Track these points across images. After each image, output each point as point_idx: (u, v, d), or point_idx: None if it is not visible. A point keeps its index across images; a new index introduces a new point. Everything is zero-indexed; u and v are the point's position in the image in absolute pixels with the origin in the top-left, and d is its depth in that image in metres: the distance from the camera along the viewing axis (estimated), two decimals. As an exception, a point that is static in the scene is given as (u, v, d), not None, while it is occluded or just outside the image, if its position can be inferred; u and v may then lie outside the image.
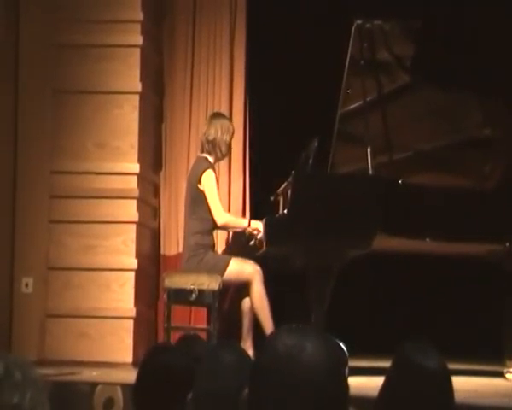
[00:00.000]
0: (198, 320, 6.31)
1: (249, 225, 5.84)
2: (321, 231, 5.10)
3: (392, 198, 5.19)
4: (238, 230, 6.02)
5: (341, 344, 1.44)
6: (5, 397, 1.43)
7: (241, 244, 6.26)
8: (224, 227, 6.00)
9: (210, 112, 6.63)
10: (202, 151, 5.99)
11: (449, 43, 7.17)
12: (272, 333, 1.57)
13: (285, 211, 5.28)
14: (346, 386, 1.52)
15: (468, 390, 4.40)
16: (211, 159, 5.92)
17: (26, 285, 6.13)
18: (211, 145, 5.90)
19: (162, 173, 6.76)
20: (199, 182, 5.79)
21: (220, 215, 5.76)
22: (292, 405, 1.45)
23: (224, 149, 5.93)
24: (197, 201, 5.80)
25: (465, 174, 5.72)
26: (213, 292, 5.59)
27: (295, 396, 1.45)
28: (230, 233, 6.46)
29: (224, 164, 6.42)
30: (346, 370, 1.49)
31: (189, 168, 6.50)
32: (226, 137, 5.92)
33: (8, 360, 1.47)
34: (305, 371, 1.46)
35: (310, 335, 1.51)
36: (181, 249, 6.17)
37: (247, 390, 1.52)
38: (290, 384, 1.45)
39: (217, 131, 5.91)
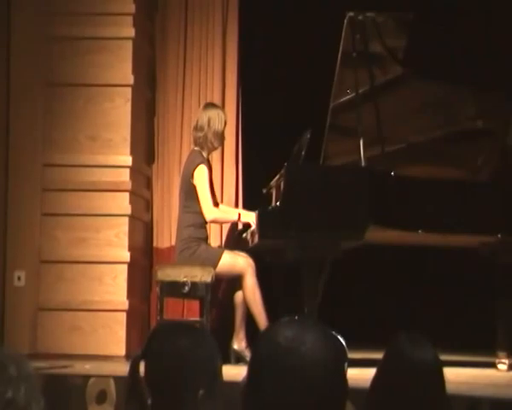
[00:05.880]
0: (191, 313, 6.32)
1: (239, 218, 5.85)
2: (313, 223, 5.11)
3: (384, 190, 5.19)
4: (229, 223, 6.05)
5: (341, 339, 1.44)
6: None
7: (233, 237, 6.27)
8: (214, 222, 6.03)
9: (202, 104, 6.62)
10: (195, 144, 5.97)
11: (442, 34, 7.17)
12: (272, 325, 1.56)
13: (278, 203, 5.28)
14: (345, 380, 1.52)
15: (461, 381, 4.41)
16: (204, 153, 5.90)
17: (19, 278, 6.12)
18: (202, 140, 5.88)
19: (155, 166, 6.76)
20: (192, 177, 5.78)
21: (209, 212, 5.75)
22: (291, 397, 1.45)
23: (215, 142, 5.91)
24: (190, 194, 5.80)
25: (458, 166, 5.73)
26: (206, 285, 5.59)
27: (294, 388, 1.45)
28: (223, 226, 6.46)
29: (216, 156, 6.42)
30: (346, 365, 1.48)
31: (182, 161, 6.51)
32: (218, 128, 5.87)
33: (2, 354, 1.47)
34: (305, 364, 1.46)
35: (309, 328, 1.50)
36: (173, 242, 6.16)
37: (244, 379, 1.52)
38: (289, 376, 1.45)
39: (208, 124, 5.86)
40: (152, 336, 2.12)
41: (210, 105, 6.08)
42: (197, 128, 5.90)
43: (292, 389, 1.45)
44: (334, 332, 1.57)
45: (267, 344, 1.50)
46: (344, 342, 1.59)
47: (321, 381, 1.46)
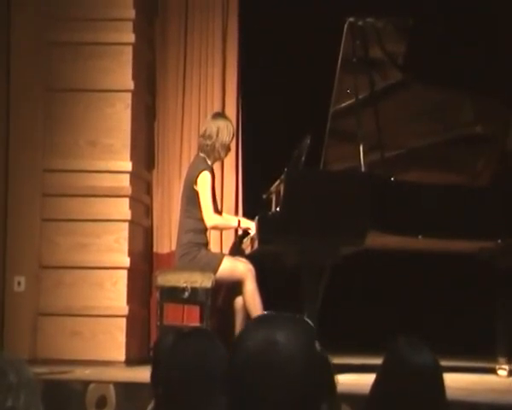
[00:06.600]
0: (191, 318, 6.31)
1: (239, 224, 5.84)
2: (313, 229, 5.10)
3: (384, 195, 5.19)
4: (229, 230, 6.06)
5: (308, 321, 1.43)
6: None
7: (234, 243, 6.27)
8: (215, 229, 6.03)
9: (203, 110, 6.63)
10: (201, 151, 5.92)
11: (441, 40, 7.18)
12: (241, 331, 1.55)
13: (277, 209, 5.28)
14: (325, 366, 1.51)
15: (461, 387, 4.41)
16: (209, 161, 5.86)
17: (19, 284, 6.12)
18: (209, 149, 5.84)
19: (155, 171, 6.76)
20: (195, 183, 5.76)
21: (209, 218, 5.74)
22: (274, 396, 1.45)
23: (222, 153, 5.88)
24: (192, 200, 5.78)
25: (457, 172, 5.73)
26: (206, 290, 5.58)
27: (276, 387, 1.45)
28: (223, 232, 6.47)
29: (216, 162, 6.41)
30: (316, 344, 1.47)
31: (182, 166, 6.52)
32: (226, 140, 5.85)
33: (2, 360, 1.46)
34: (282, 361, 1.45)
35: (278, 325, 1.49)
36: (173, 248, 6.16)
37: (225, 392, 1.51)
38: (269, 377, 1.45)
39: (216, 134, 5.81)
40: (162, 344, 2.12)
41: (219, 115, 6.06)
42: (205, 136, 5.86)
43: (274, 388, 1.45)
44: (301, 318, 1.56)
45: (239, 352, 1.49)
46: (311, 322, 1.58)
47: (301, 373, 1.45)
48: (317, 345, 1.50)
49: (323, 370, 1.49)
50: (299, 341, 1.46)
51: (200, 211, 5.74)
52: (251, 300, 5.63)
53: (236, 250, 6.02)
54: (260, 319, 1.54)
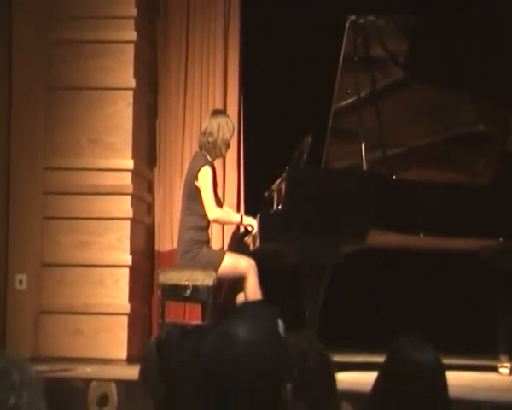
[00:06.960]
0: (192, 316, 6.32)
1: (241, 220, 5.84)
2: (315, 227, 5.10)
3: (385, 194, 5.19)
4: (231, 225, 6.06)
5: (274, 307, 1.41)
6: (2, 398, 1.42)
7: (235, 240, 6.28)
8: (216, 222, 6.01)
9: (204, 108, 6.63)
10: (201, 148, 5.92)
11: (443, 38, 7.18)
12: (204, 336, 1.54)
13: (279, 207, 5.28)
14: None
15: (462, 385, 4.41)
16: (209, 157, 5.87)
17: (20, 282, 6.13)
18: (210, 146, 5.85)
19: (156, 169, 6.77)
20: (196, 179, 5.76)
21: (212, 211, 5.74)
22: (237, 391, 1.45)
23: (223, 150, 5.89)
24: (193, 197, 5.78)
25: (459, 170, 5.73)
26: (208, 288, 5.59)
27: (237, 383, 1.45)
28: (225, 229, 6.47)
29: (218, 161, 6.41)
30: (280, 323, 1.46)
31: (183, 164, 6.52)
32: (226, 136, 5.86)
33: (5, 359, 1.47)
34: (241, 357, 1.45)
35: (237, 317, 1.49)
36: (175, 245, 6.16)
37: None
38: (229, 374, 1.45)
39: (217, 131, 5.83)
40: (162, 341, 2.12)
41: (219, 112, 6.06)
42: (206, 133, 5.86)
43: (236, 380, 1.45)
44: (261, 303, 1.56)
45: (203, 350, 1.49)
46: (277, 308, 1.58)
47: (262, 360, 1.46)
48: (281, 328, 1.50)
49: (284, 351, 1.49)
50: (257, 330, 1.46)
51: (202, 207, 5.74)
52: (253, 296, 5.63)
53: (238, 244, 6.02)
54: (221, 315, 1.55)
